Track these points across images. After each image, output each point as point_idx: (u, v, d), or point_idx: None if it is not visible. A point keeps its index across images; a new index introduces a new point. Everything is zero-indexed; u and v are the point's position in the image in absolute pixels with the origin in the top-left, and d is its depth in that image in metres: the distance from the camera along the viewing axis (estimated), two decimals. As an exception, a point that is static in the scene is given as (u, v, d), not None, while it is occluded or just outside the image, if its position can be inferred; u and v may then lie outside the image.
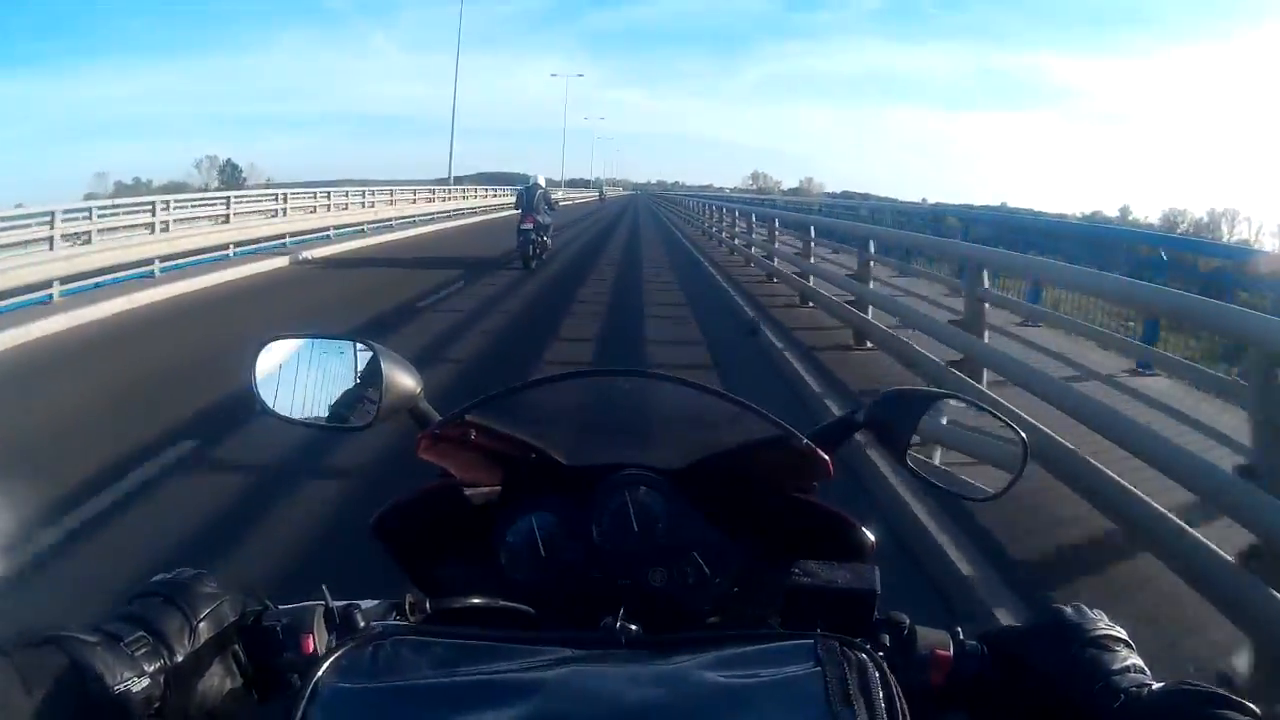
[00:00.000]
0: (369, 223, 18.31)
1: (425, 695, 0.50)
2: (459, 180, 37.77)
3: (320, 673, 0.51)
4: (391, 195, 21.04)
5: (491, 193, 33.63)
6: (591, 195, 65.85)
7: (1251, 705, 0.53)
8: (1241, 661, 2.47)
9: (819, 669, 0.51)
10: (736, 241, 16.10)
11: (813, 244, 10.02)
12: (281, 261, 13.00)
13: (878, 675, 0.52)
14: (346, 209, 17.55)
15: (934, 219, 16.91)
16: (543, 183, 13.53)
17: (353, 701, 0.50)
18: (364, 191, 19.52)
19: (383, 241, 17.38)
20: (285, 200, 14.83)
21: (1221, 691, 0.54)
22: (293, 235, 14.64)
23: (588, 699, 0.50)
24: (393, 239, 18.10)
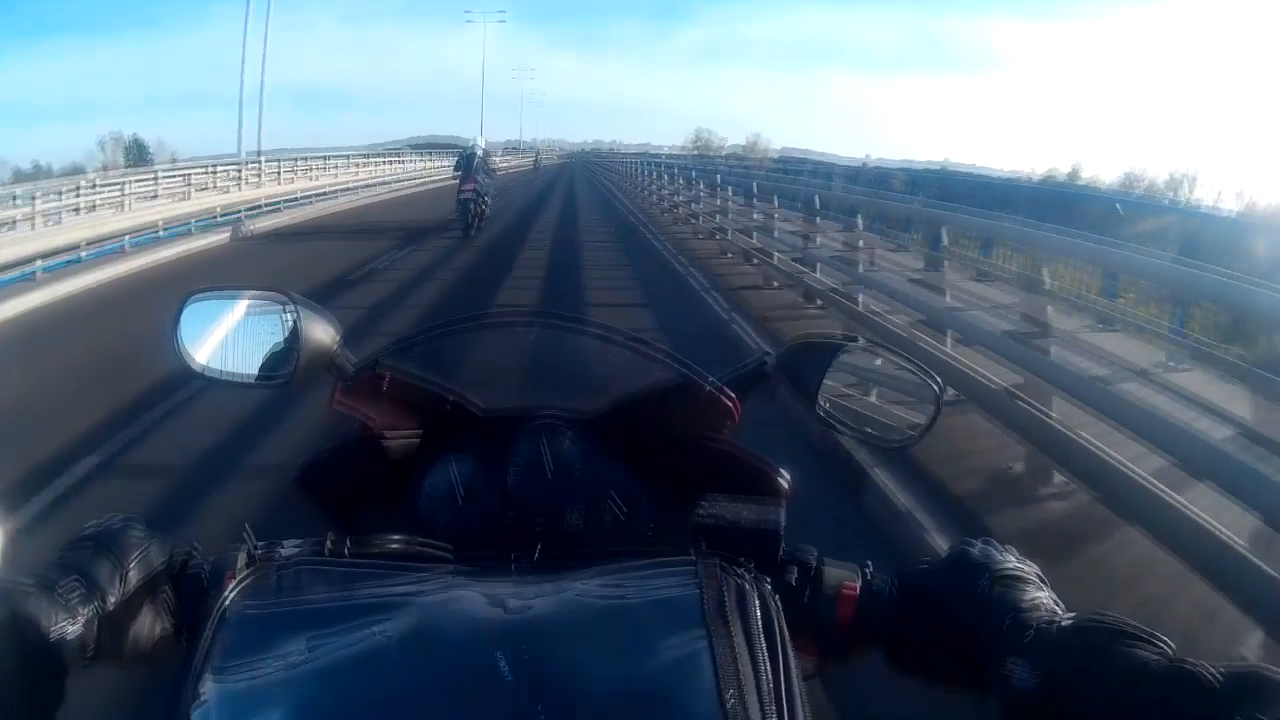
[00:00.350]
0: (297, 194, 18.00)
1: (321, 614, 0.53)
2: (390, 148, 37.18)
3: (227, 597, 0.54)
4: (311, 166, 20.56)
5: (422, 159, 33.31)
6: (524, 162, 64.36)
7: (1163, 637, 0.53)
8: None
9: (697, 587, 0.54)
10: (679, 210, 15.72)
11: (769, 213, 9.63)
12: (222, 236, 12.92)
13: (756, 593, 0.54)
14: (271, 180, 17.29)
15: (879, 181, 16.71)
16: (482, 147, 13.72)
17: (256, 621, 0.53)
18: (285, 162, 19.28)
19: (316, 214, 17.20)
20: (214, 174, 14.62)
21: (1133, 623, 0.55)
22: (223, 209, 14.29)
23: (475, 614, 0.53)
24: (320, 210, 17.81)
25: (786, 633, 0.53)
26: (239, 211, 14.49)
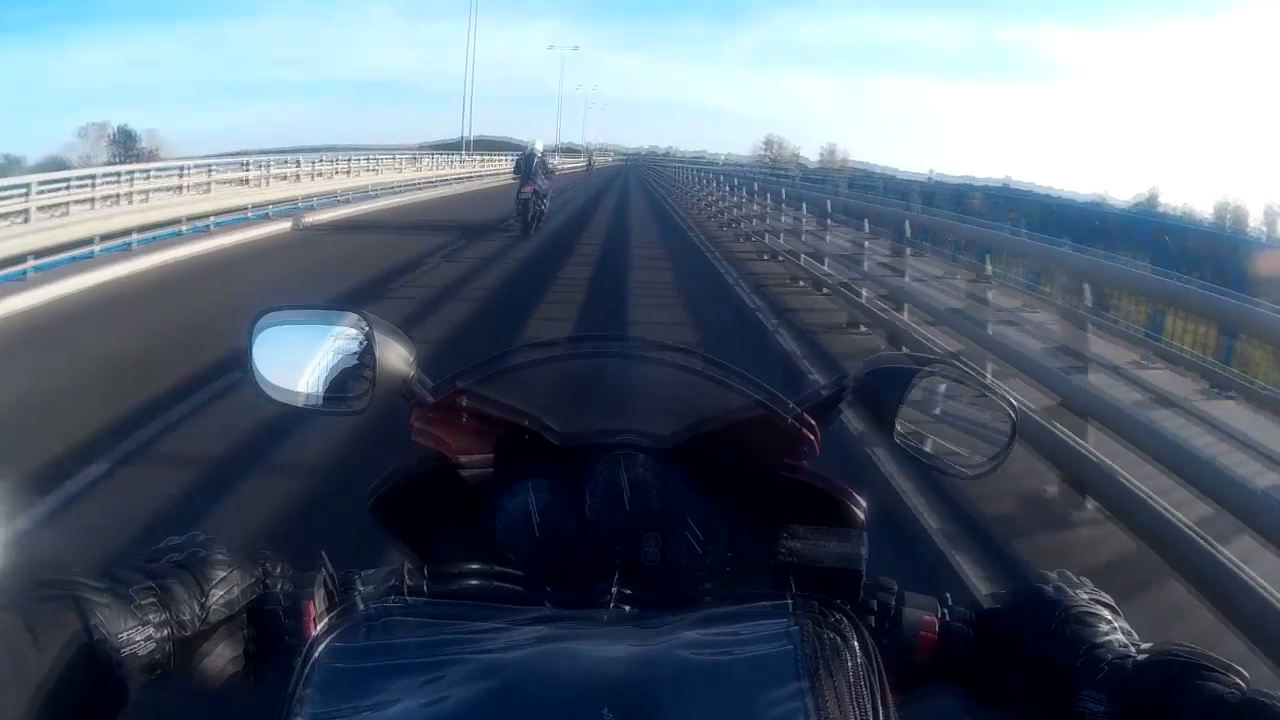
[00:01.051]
0: (353, 190, 18.33)
1: (412, 668, 0.53)
2: (441, 147, 37.88)
3: (315, 649, 0.54)
4: (376, 163, 21.07)
5: (482, 159, 33.85)
6: (579, 164, 65.46)
7: (1238, 668, 0.54)
8: None
9: (791, 645, 0.53)
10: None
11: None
12: (285, 225, 13.52)
13: (854, 639, 0.53)
14: (332, 176, 17.64)
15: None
16: (540, 150, 14.01)
17: (345, 674, 0.52)
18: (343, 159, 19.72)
19: (376, 208, 17.68)
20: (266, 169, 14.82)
21: (1209, 655, 0.55)
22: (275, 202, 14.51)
23: (573, 666, 0.53)
24: (376, 206, 18.06)
25: (885, 680, 0.52)
26: (297, 204, 15.11)
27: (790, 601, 0.58)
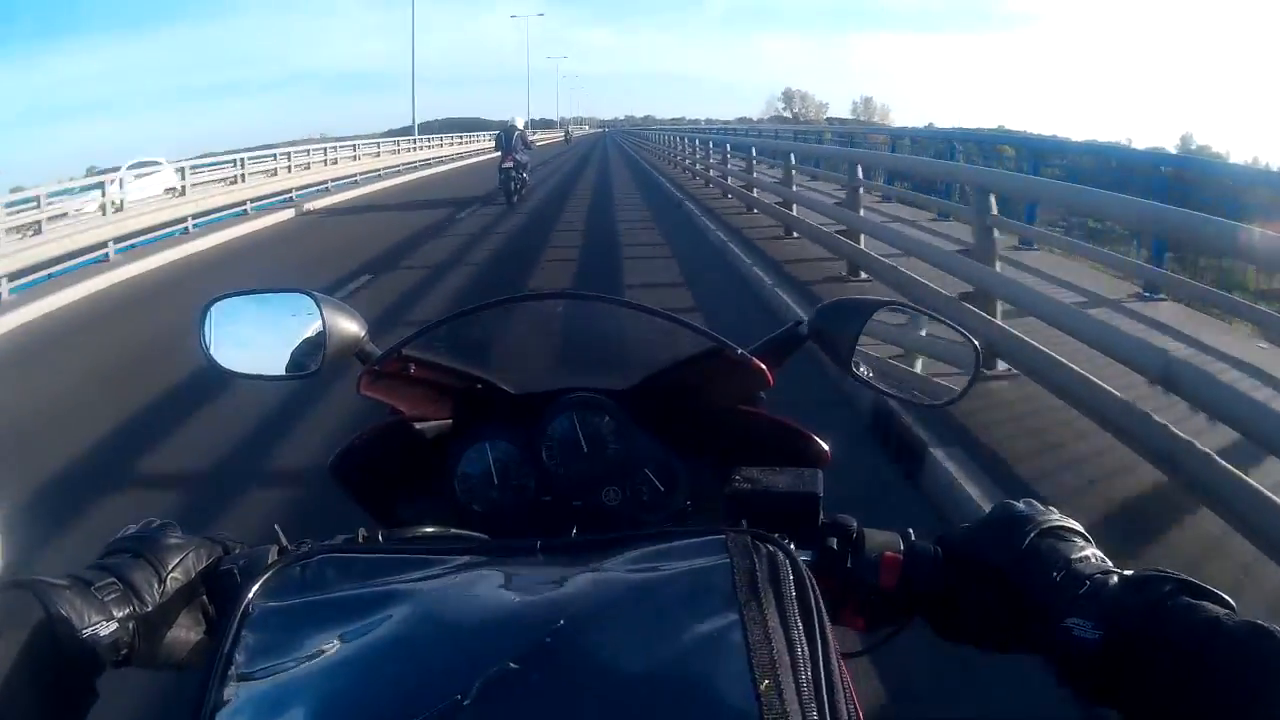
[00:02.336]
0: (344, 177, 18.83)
1: (344, 605, 0.52)
2: (423, 129, 38.28)
3: (251, 593, 0.53)
4: (354, 151, 21.38)
5: (458, 140, 33.97)
6: (556, 136, 65.77)
7: (1224, 595, 0.52)
8: None
9: (727, 561, 0.52)
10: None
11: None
12: (289, 213, 14.43)
13: (790, 567, 0.51)
14: (309, 168, 17.82)
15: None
16: (520, 124, 14.65)
17: (280, 617, 0.52)
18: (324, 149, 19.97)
19: (364, 193, 18.27)
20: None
21: (1194, 580, 0.53)
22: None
23: (496, 599, 0.52)
24: (364, 191, 18.58)
25: (824, 608, 0.50)
26: (292, 195, 15.74)
27: (726, 531, 0.56)
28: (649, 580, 0.53)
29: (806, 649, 0.47)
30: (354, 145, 21.38)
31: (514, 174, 14.23)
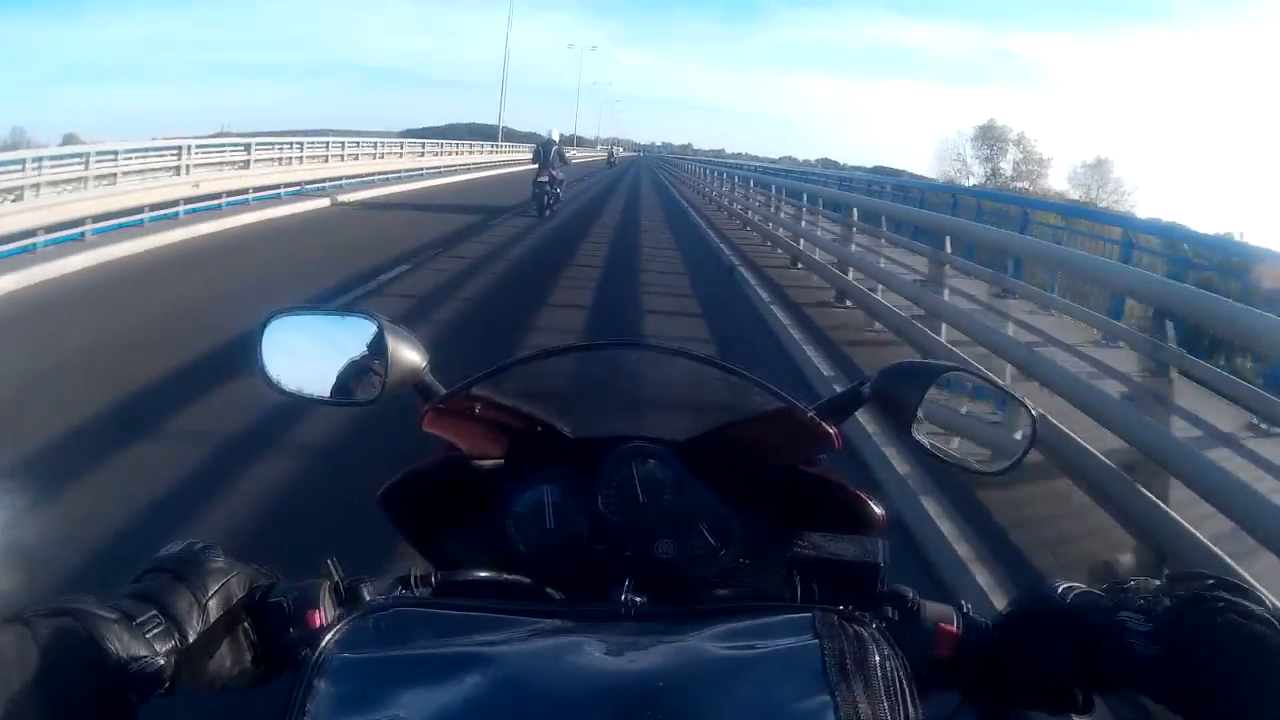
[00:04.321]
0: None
1: (426, 664, 0.53)
2: (445, 133, 38.25)
3: (325, 643, 0.55)
4: (398, 149, 22.79)
5: (491, 149, 35.04)
6: (597, 155, 65.31)
7: (1264, 592, 0.57)
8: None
9: (817, 641, 0.54)
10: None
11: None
12: (324, 201, 15.48)
13: (876, 647, 0.54)
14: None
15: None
16: (557, 139, 15.59)
17: (356, 671, 0.53)
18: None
19: (399, 191, 19.57)
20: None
21: (1228, 578, 0.58)
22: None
23: (587, 668, 0.53)
24: (399, 189, 19.85)
25: (913, 688, 0.52)
26: (324, 185, 16.77)
27: (814, 609, 0.58)
28: (741, 656, 0.54)
29: None
30: (398, 144, 23.04)
31: (548, 188, 15.11)
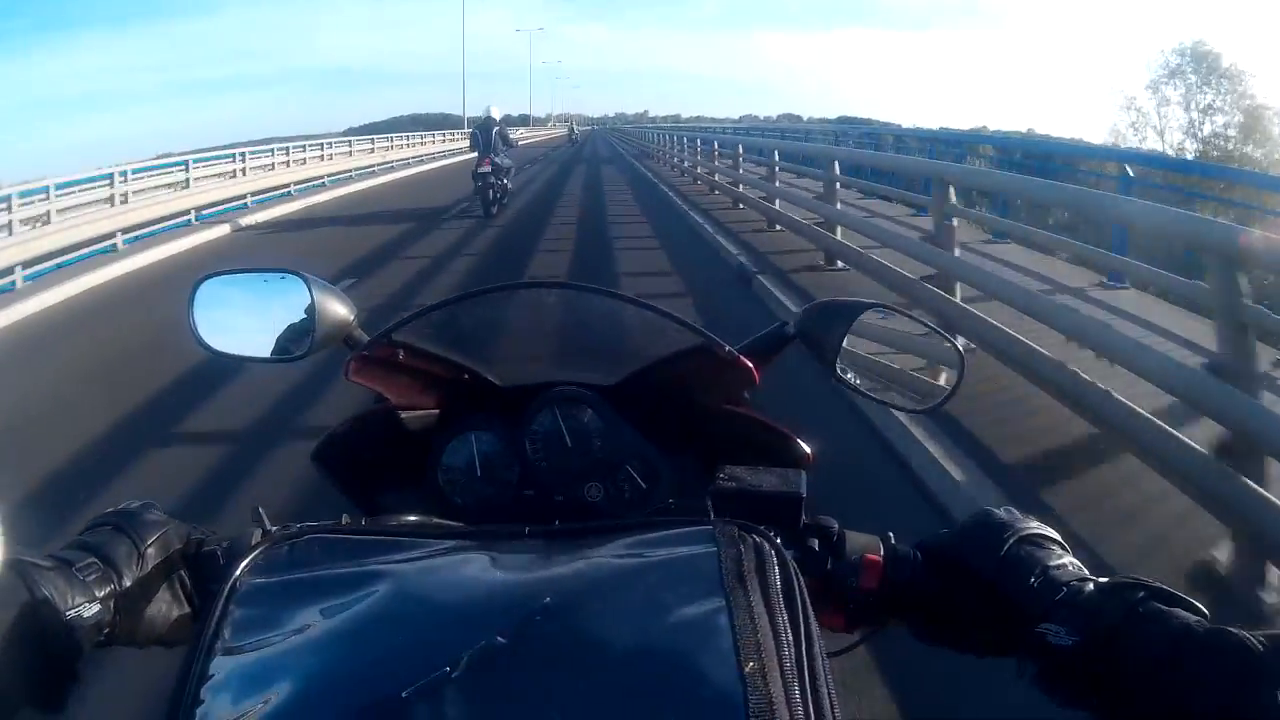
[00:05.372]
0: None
1: (331, 584, 0.55)
2: (390, 127, 35.96)
3: (240, 569, 0.56)
4: (321, 151, 20.14)
5: (430, 139, 32.41)
6: (551, 134, 64.15)
7: (1198, 604, 0.56)
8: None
9: (715, 549, 0.55)
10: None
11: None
12: (222, 229, 12.80)
13: (775, 557, 0.55)
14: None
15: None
16: (497, 117, 12.97)
17: (266, 594, 0.55)
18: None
19: (325, 200, 17.22)
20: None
21: (1168, 587, 0.57)
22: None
23: (484, 580, 0.55)
24: (326, 197, 17.53)
25: (808, 599, 0.53)
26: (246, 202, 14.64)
27: (715, 521, 0.60)
28: (637, 565, 0.56)
29: (790, 634, 0.50)
30: (309, 146, 20.02)
31: (493, 180, 12.47)
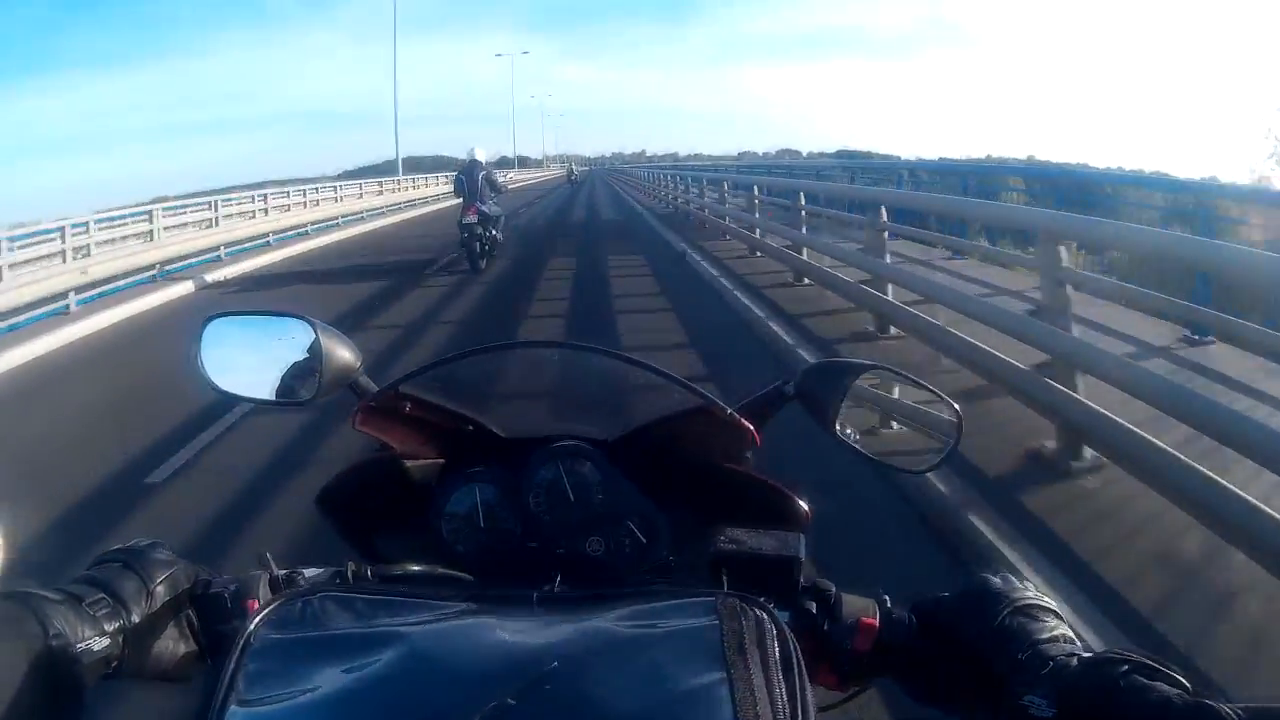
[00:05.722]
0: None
1: (343, 644, 0.58)
2: (389, 170, 35.37)
3: (254, 624, 0.59)
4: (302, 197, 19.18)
5: (430, 181, 32.16)
6: (546, 175, 64.00)
7: (1181, 676, 0.56)
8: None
9: (718, 622, 0.58)
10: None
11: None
12: (185, 287, 11.60)
13: (774, 630, 0.58)
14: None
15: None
16: (482, 159, 11.76)
17: (280, 650, 0.57)
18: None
19: (305, 250, 16.24)
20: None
21: (1154, 661, 0.57)
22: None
23: (491, 646, 0.57)
24: (307, 247, 16.65)
25: (804, 670, 0.56)
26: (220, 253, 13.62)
27: (718, 593, 0.62)
28: (643, 635, 0.58)
29: (787, 706, 0.53)
30: (292, 191, 19.31)
31: (479, 230, 11.23)
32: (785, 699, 0.52)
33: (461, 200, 11.35)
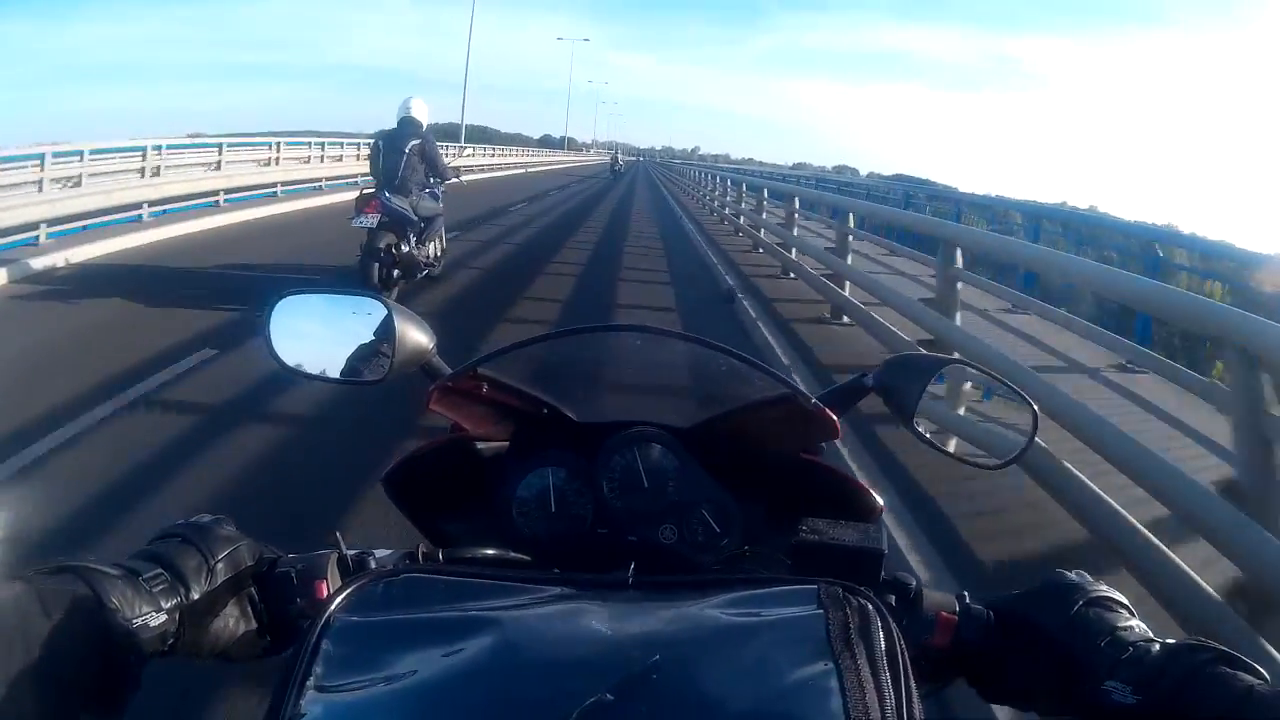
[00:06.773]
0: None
1: (430, 628, 0.55)
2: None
3: (333, 606, 0.56)
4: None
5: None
6: (588, 160, 60.03)
7: (1259, 668, 0.57)
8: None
9: (821, 611, 0.56)
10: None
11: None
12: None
13: (879, 620, 0.55)
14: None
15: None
16: (423, 118, 7.28)
17: (361, 633, 0.54)
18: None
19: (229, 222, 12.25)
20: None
21: (1231, 651, 0.59)
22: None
23: (589, 633, 0.54)
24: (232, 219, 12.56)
25: (909, 661, 0.54)
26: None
27: (819, 581, 0.60)
28: (747, 624, 0.56)
29: (893, 698, 0.51)
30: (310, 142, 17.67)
31: (385, 245, 7.02)
32: (892, 692, 0.50)
33: (372, 189, 7.00)
